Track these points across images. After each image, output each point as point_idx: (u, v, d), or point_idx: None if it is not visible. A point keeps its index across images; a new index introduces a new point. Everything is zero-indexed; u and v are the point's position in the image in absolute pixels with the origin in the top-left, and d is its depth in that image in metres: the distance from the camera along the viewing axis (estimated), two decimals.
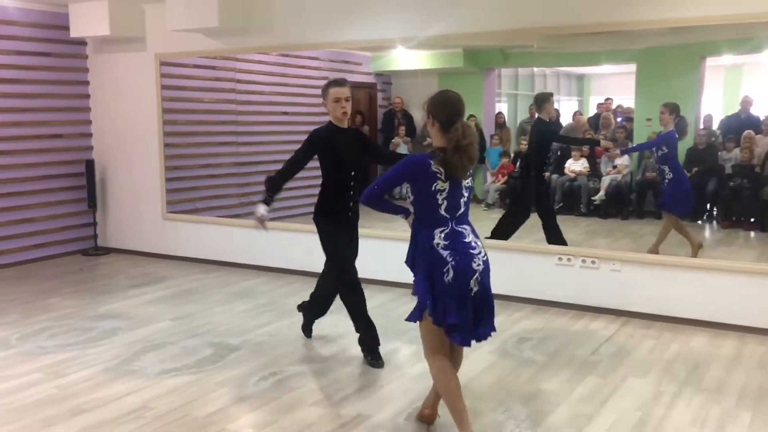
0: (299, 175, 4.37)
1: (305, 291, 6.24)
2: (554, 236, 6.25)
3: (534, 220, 6.46)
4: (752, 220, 7.00)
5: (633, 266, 5.47)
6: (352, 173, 4.29)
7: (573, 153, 8.24)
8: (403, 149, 8.75)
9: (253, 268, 7.12)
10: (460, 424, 3.14)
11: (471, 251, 3.13)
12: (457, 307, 3.08)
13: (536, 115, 7.01)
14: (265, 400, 3.93)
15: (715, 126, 7.70)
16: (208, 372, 4.35)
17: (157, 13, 7.23)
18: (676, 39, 6.46)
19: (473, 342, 3.20)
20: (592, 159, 7.97)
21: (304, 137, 4.34)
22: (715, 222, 6.33)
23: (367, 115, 9.12)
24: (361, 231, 4.61)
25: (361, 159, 4.39)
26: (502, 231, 6.37)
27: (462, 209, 3.20)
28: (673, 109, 6.18)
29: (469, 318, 3.11)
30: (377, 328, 4.52)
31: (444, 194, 3.12)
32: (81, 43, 7.85)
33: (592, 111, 9.28)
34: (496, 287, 3.37)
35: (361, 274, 4.55)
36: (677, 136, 6.22)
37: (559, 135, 7.43)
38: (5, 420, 3.68)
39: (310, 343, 4.90)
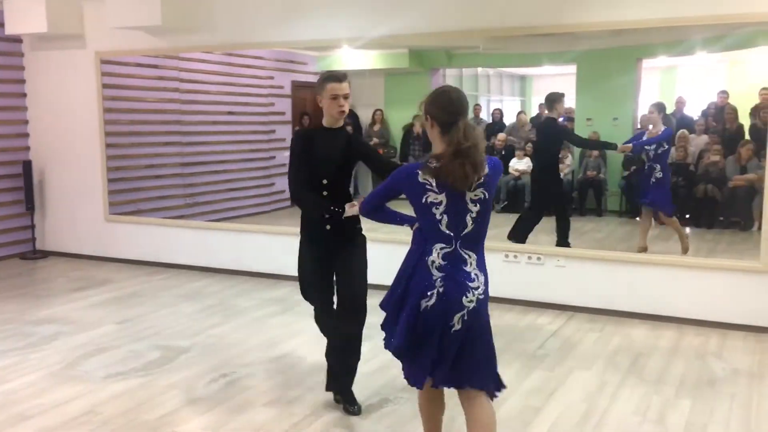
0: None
1: (255, 292, 6.24)
2: (561, 237, 6.28)
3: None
4: (687, 216, 7.27)
5: (577, 262, 5.63)
6: (324, 181, 3.58)
7: (517, 152, 8.42)
8: None
9: (201, 270, 7.03)
10: None
11: (468, 283, 2.67)
12: (413, 334, 2.68)
13: (544, 114, 7.03)
14: (216, 401, 3.89)
15: None
16: (157, 375, 4.28)
17: (97, 10, 7.05)
18: (614, 41, 6.66)
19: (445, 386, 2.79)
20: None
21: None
22: (653, 219, 6.56)
23: (312, 115, 9.11)
24: (373, 235, 4.02)
25: (344, 167, 3.69)
26: (519, 233, 6.31)
27: (469, 228, 2.68)
28: (661, 108, 6.35)
29: (433, 356, 2.67)
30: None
31: (441, 208, 2.66)
32: (17, 40, 7.60)
33: (534, 111, 9.49)
34: None
35: (371, 280, 3.75)
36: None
37: (575, 136, 7.11)
38: None
39: (260, 343, 4.86)
